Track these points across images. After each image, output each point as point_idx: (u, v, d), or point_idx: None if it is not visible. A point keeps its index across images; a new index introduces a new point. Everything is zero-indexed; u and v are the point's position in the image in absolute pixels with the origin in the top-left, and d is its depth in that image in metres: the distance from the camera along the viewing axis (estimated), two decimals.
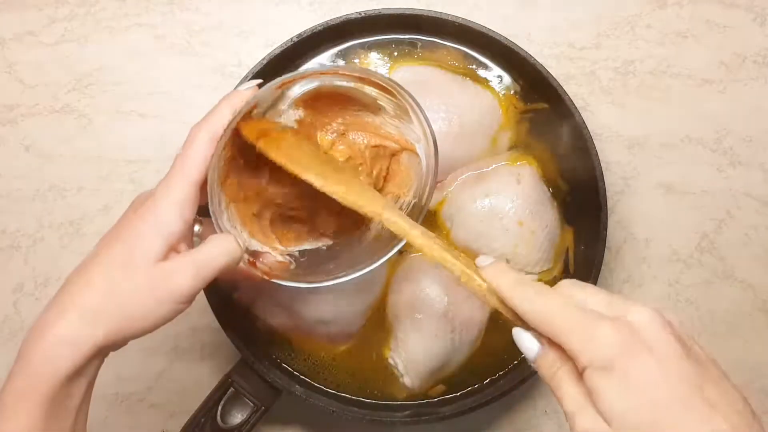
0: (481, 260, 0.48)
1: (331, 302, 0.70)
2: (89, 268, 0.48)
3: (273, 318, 0.72)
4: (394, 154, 0.63)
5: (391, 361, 0.72)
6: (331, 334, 0.72)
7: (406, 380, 0.71)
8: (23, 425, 0.44)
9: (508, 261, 0.71)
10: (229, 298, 0.72)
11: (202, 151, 0.50)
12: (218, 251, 0.50)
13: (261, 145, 0.53)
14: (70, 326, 0.45)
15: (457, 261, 0.49)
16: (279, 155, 0.53)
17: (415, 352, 0.70)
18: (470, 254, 0.71)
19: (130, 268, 0.47)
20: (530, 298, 0.43)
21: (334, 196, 0.53)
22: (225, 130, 0.51)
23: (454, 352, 0.71)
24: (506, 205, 0.71)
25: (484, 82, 0.75)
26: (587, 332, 0.40)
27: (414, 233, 0.52)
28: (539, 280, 0.73)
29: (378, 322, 0.72)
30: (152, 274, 0.47)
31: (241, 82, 0.72)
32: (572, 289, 0.43)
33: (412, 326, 0.70)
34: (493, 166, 0.73)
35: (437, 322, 0.70)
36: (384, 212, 0.53)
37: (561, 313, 0.41)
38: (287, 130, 0.58)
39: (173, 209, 0.48)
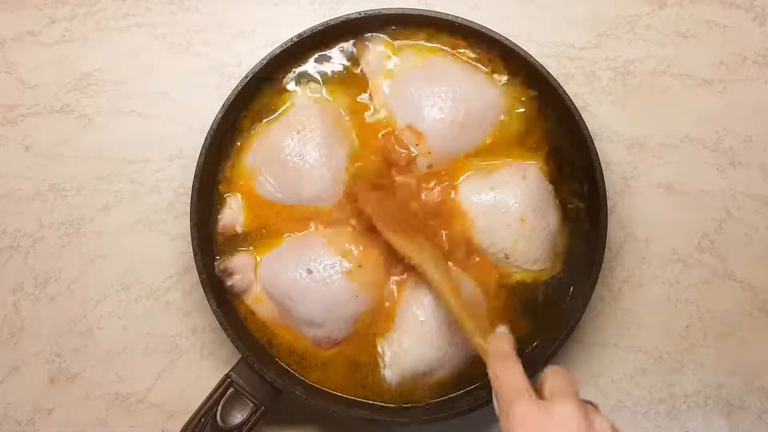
0: (501, 329, 0.61)
1: (322, 305, 0.70)
2: None
3: (263, 310, 0.72)
4: None
5: (380, 348, 0.71)
6: (317, 337, 0.72)
7: (387, 372, 0.71)
8: None
9: (507, 257, 0.71)
10: (225, 291, 0.72)
11: None
12: None
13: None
14: None
15: (466, 318, 0.61)
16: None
17: (407, 350, 0.70)
18: (470, 247, 0.72)
19: None
20: (497, 368, 0.56)
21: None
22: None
23: (443, 365, 0.70)
24: (510, 200, 0.71)
25: (489, 74, 0.75)
26: (507, 406, 0.52)
27: (439, 287, 0.64)
28: (535, 278, 0.73)
29: (370, 325, 0.72)
30: None
31: (241, 82, 0.72)
32: (547, 373, 0.56)
33: (414, 325, 0.70)
34: (500, 161, 0.74)
35: (439, 330, 0.69)
36: (415, 259, 0.65)
37: (504, 386, 0.54)
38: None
39: None
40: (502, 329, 0.61)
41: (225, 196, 0.74)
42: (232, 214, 0.73)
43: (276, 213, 0.73)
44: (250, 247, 0.73)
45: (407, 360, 0.70)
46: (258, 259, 0.73)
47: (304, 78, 0.75)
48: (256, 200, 0.73)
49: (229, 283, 0.72)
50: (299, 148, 0.71)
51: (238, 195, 0.74)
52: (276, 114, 0.74)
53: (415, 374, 0.71)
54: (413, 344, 0.70)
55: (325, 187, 0.72)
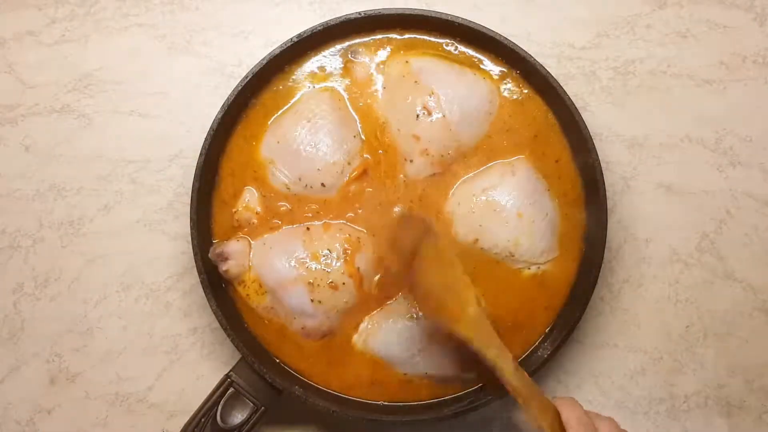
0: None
1: (311, 295, 0.71)
2: None
3: (257, 299, 0.72)
4: None
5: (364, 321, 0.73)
6: (307, 328, 0.72)
7: (355, 337, 0.72)
8: None
9: (512, 254, 0.71)
10: (219, 277, 0.72)
11: None
12: None
13: None
14: None
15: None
16: None
17: (385, 326, 0.71)
18: (473, 252, 0.72)
19: None
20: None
21: None
22: None
23: (399, 357, 0.72)
24: (504, 198, 0.71)
25: (482, 71, 0.75)
26: None
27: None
28: (546, 270, 0.73)
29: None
30: None
31: (241, 82, 0.72)
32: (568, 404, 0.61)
33: (407, 312, 0.71)
34: (489, 164, 0.74)
35: (413, 330, 0.71)
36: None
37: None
38: None
39: None
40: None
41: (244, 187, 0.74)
42: (247, 207, 0.73)
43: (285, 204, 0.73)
44: (246, 234, 0.73)
45: (381, 332, 0.71)
46: (252, 243, 0.73)
47: (308, 73, 0.75)
48: (267, 192, 0.74)
49: (223, 268, 0.71)
50: (311, 136, 0.72)
51: (253, 188, 0.74)
52: (285, 108, 0.74)
53: (377, 349, 0.72)
54: (393, 326, 0.71)
55: (339, 173, 0.72)
